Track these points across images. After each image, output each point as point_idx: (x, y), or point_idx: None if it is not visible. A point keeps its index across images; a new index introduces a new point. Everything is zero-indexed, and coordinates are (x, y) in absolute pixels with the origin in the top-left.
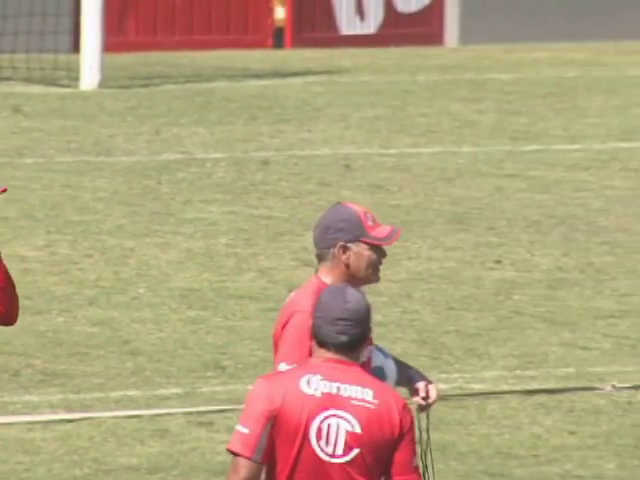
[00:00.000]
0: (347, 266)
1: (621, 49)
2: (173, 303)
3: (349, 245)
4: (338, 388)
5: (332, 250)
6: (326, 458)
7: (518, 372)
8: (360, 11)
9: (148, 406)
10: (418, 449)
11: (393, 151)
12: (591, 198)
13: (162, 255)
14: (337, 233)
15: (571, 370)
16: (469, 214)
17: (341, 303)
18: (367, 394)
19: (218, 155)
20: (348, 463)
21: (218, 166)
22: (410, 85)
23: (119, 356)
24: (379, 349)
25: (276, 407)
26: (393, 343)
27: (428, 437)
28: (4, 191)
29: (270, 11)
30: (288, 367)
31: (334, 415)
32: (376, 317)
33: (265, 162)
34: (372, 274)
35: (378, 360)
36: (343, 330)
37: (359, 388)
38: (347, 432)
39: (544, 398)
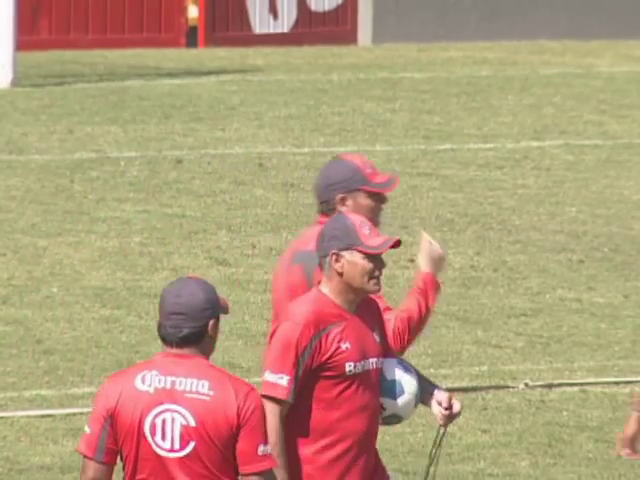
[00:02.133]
0: (340, 274)
1: (534, 48)
2: (86, 302)
3: (342, 253)
4: (173, 382)
5: (327, 259)
6: (164, 454)
7: (431, 370)
8: (273, 10)
9: (61, 405)
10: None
11: (307, 150)
12: (504, 197)
13: (75, 254)
14: (331, 241)
15: (484, 368)
16: (383, 213)
17: (174, 297)
18: (202, 386)
19: (132, 154)
20: (187, 457)
21: (132, 165)
22: (324, 84)
23: (32, 355)
24: (400, 362)
25: (112, 406)
26: None
27: (437, 452)
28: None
29: (183, 10)
30: (273, 375)
31: (168, 410)
32: None
33: (179, 161)
34: (368, 283)
35: (395, 374)
36: (176, 324)
37: (194, 381)
38: (182, 426)
39: (457, 396)
